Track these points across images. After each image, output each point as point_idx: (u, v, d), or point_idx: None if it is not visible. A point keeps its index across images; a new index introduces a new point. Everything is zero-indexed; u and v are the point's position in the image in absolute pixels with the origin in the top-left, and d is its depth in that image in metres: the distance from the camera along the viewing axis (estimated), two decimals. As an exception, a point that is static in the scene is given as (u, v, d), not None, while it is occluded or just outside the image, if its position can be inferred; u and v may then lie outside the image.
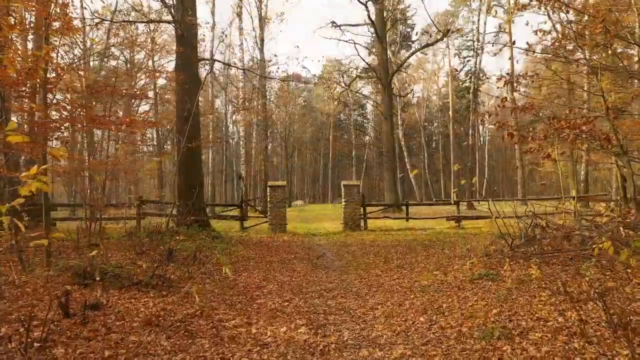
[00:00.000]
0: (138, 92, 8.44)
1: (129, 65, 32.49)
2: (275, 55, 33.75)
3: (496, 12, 20.02)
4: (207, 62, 13.98)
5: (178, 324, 4.21)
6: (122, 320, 4.16)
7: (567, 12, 5.13)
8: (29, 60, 5.96)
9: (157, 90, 31.09)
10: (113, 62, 33.96)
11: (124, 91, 7.82)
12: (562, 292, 4.95)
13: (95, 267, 5.23)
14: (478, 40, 27.67)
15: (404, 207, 18.38)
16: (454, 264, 7.64)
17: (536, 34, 6.73)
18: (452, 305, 5.01)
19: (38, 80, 5.68)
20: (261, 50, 26.29)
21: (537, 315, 4.26)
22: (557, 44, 6.53)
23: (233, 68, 33.50)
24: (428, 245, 10.32)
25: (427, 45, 26.57)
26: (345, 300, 5.67)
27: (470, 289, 5.70)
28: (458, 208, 15.49)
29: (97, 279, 4.99)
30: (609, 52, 6.80)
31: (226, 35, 28.03)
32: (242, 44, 23.73)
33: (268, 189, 14.88)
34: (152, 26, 30.40)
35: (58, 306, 4.07)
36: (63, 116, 6.16)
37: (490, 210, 7.61)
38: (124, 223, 11.62)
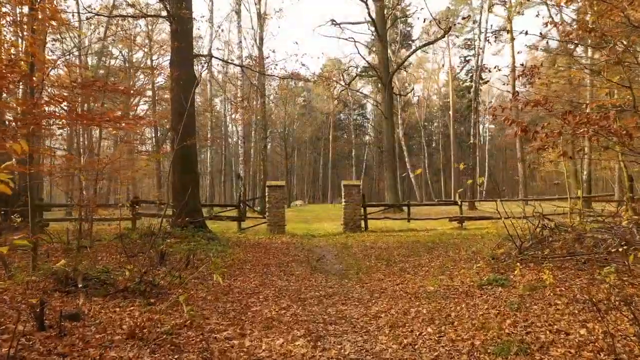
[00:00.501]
0: (131, 88, 8.03)
1: (127, 64, 32.16)
2: (273, 51, 32.93)
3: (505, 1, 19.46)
4: (203, 57, 13.62)
5: (164, 336, 3.86)
6: (103, 333, 3.81)
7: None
8: (10, 52, 5.61)
9: (156, 89, 30.78)
10: (111, 62, 33.71)
11: (114, 87, 7.43)
12: (580, 300, 4.61)
13: (78, 272, 4.88)
14: (480, 38, 27.29)
15: (404, 208, 18.06)
16: (459, 267, 7.30)
17: (546, 25, 6.39)
18: (461, 314, 4.66)
19: (18, 73, 5.32)
20: (260, 49, 25.94)
21: (556, 326, 3.91)
22: (571, 35, 6.18)
23: (232, 68, 33.23)
24: (431, 247, 9.98)
25: (429, 43, 26.24)
26: (346, 307, 5.32)
27: (479, 296, 5.35)
28: (461, 208, 15.13)
29: (80, 285, 4.64)
30: (625, 45, 6.45)
31: (222, 30, 27.57)
32: (240, 42, 23.34)
33: (266, 189, 14.53)
34: (149, 24, 30.16)
35: (32, 317, 3.72)
36: (46, 112, 5.81)
37: (498, 211, 7.26)
38: (118, 224, 11.27)
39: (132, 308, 4.55)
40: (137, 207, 12.73)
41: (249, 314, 4.97)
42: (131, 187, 34.47)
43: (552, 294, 4.93)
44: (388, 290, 6.18)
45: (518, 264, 6.14)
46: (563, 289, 5.11)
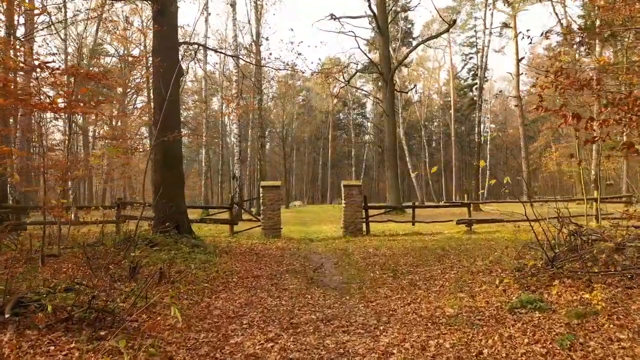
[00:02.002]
0: (99, 75, 7.00)
1: (121, 62, 31.14)
2: (267, 39, 30.94)
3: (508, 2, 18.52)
4: (191, 45, 12.59)
5: (103, 392, 2.84)
6: (17, 390, 2.79)
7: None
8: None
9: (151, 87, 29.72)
10: (107, 60, 32.65)
11: (74, 70, 6.38)
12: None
13: (9, 297, 3.85)
14: (484, 33, 26.29)
15: (407, 209, 17.08)
16: (479, 281, 6.28)
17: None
18: (496, 352, 3.65)
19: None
20: (256, 43, 24.91)
21: (634, 379, 2.90)
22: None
23: (229, 66, 32.14)
24: (441, 254, 8.95)
25: (433, 37, 25.23)
26: (348, 337, 4.30)
27: (512, 324, 4.33)
28: (469, 210, 14.13)
29: (7, 315, 3.62)
30: None
31: (209, 14, 26.38)
32: (236, 35, 22.26)
33: (261, 189, 13.50)
34: (145, 22, 29.19)
35: None
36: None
37: (526, 214, 6.22)
38: (101, 227, 10.25)
39: (71, 346, 3.53)
40: (111, 209, 11.68)
41: (227, 348, 3.95)
42: (128, 187, 33.52)
43: (609, 324, 3.91)
44: (398, 311, 5.16)
45: (556, 281, 5.13)
46: (621, 316, 4.10)
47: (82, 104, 6.12)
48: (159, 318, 4.51)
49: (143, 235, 8.49)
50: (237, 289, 6.31)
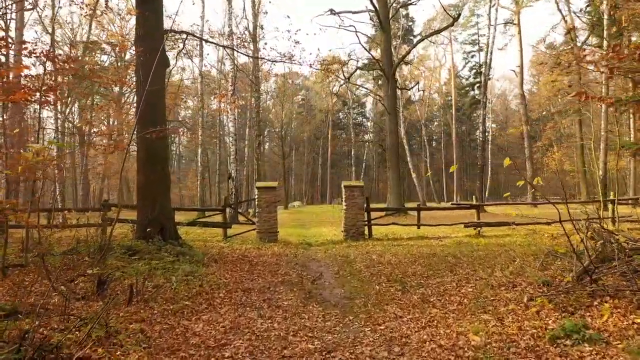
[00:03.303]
0: (68, 57, 6.20)
1: (117, 61, 30.29)
2: (262, 28, 28.78)
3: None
4: (178, 34, 11.78)
5: None
6: None
7: None
8: None
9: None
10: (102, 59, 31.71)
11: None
12: None
13: None
14: (489, 29, 25.46)
15: (409, 211, 16.28)
16: (503, 298, 5.44)
17: None
18: (548, 406, 2.80)
19: None
20: (254, 41, 24.07)
21: None
22: None
23: (228, 65, 31.28)
24: (453, 262, 8.10)
25: (436, 32, 24.42)
26: (354, 376, 3.46)
27: (558, 360, 3.48)
28: (478, 213, 13.27)
29: None
30: None
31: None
32: (231, 30, 21.43)
33: (256, 190, 12.65)
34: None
35: None
36: None
37: (560, 217, 5.35)
38: (76, 232, 9.42)
39: (-11, 402, 2.68)
40: (84, 212, 10.84)
41: (199, 396, 3.10)
42: (124, 187, 32.70)
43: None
44: (412, 338, 4.31)
45: (598, 300, 4.28)
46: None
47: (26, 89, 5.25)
48: (118, 353, 3.64)
49: (122, 242, 7.63)
50: (222, 307, 5.45)
